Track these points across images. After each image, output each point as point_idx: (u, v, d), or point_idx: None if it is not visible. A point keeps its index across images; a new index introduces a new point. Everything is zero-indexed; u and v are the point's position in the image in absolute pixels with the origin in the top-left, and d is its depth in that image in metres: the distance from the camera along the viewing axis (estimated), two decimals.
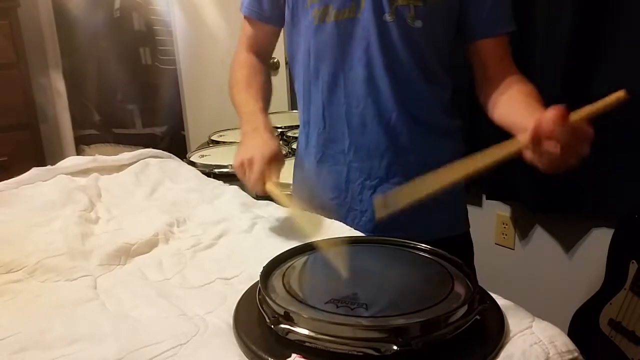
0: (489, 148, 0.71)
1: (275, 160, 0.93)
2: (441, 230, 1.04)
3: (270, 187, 0.92)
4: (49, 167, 1.31)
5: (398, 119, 1.00)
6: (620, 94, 0.67)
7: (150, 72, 3.70)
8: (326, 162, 1.08)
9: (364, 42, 0.97)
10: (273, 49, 1.19)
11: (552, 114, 0.68)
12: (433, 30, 0.97)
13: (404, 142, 1.02)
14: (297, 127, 2.02)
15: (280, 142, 1.99)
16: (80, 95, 3.39)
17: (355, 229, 0.99)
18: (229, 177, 1.60)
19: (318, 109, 1.05)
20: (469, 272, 0.71)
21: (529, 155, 0.72)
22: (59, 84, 2.81)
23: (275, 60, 2.51)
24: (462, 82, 1.11)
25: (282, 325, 0.60)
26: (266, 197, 1.29)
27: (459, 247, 1.09)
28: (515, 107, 0.93)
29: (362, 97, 1.00)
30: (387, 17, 0.95)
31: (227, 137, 2.08)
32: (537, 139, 0.69)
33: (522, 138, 0.71)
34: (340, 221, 1.01)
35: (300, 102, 1.11)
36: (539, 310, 0.68)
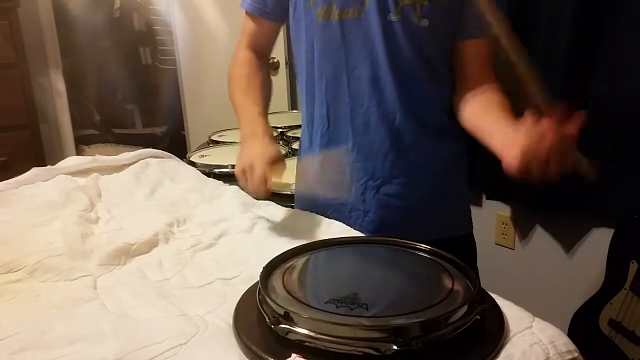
0: None
1: (276, 164, 0.94)
2: (444, 231, 1.04)
3: (272, 184, 0.92)
4: (49, 167, 1.31)
5: (402, 119, 1.00)
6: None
7: (150, 72, 3.70)
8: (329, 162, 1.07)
9: (368, 42, 0.97)
10: (273, 45, 1.19)
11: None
12: (439, 29, 0.97)
13: (407, 142, 1.02)
14: (297, 127, 2.03)
15: (280, 142, 2.00)
16: (80, 95, 3.39)
17: (357, 230, 0.99)
18: (229, 177, 1.60)
19: (322, 108, 1.05)
20: (470, 272, 0.71)
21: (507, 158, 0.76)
22: (59, 84, 2.81)
23: (275, 60, 2.51)
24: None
25: (282, 325, 0.60)
26: (266, 197, 1.29)
27: (462, 248, 1.09)
28: (485, 116, 0.95)
29: (366, 97, 1.00)
30: (392, 17, 0.95)
31: (227, 137, 2.08)
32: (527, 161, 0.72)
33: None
34: (342, 221, 1.01)
35: (303, 101, 1.11)
36: (539, 310, 0.68)
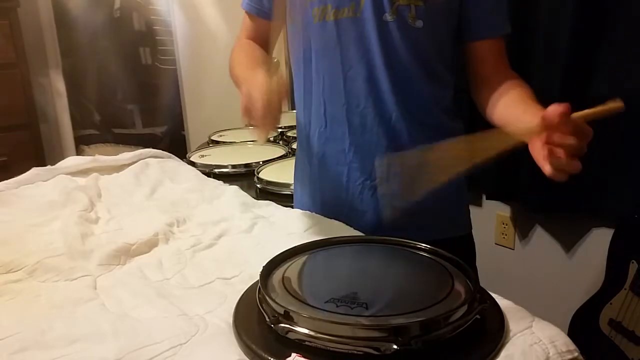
0: (495, 130, 0.71)
1: (273, 69, 0.90)
2: (444, 231, 1.04)
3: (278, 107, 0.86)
4: (49, 167, 1.31)
5: (398, 119, 1.00)
6: (619, 104, 0.69)
7: (150, 72, 3.69)
8: (326, 162, 1.08)
9: (364, 42, 0.97)
10: (274, 44, 1.18)
11: (557, 107, 0.69)
12: (434, 30, 0.97)
13: (404, 142, 1.02)
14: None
15: (280, 142, 2.00)
16: (80, 95, 3.39)
17: (355, 229, 0.99)
18: (229, 177, 1.61)
19: (319, 108, 1.05)
20: (470, 271, 0.71)
21: (539, 159, 0.72)
22: (59, 84, 2.81)
23: (275, 60, 2.51)
24: (462, 82, 1.11)
25: (282, 325, 0.60)
26: (266, 197, 1.29)
27: (461, 248, 1.09)
28: (515, 108, 0.93)
29: (362, 96, 1.00)
30: (388, 17, 0.95)
31: (227, 137, 2.08)
32: (546, 126, 0.69)
33: (531, 125, 0.71)
34: (342, 221, 1.01)
35: (300, 101, 1.11)
36: (539, 310, 0.68)
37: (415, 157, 0.72)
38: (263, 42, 1.15)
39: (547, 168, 0.72)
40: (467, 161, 0.75)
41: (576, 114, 0.70)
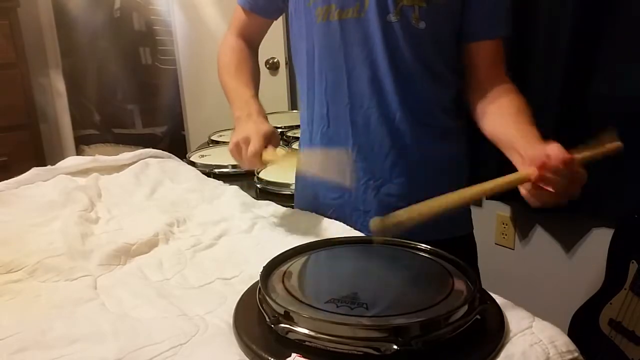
0: (491, 180, 0.72)
1: (271, 138, 0.93)
2: (445, 231, 1.04)
3: (267, 156, 0.91)
4: (49, 167, 1.31)
5: (402, 119, 1.00)
6: (617, 144, 0.73)
7: (150, 72, 3.70)
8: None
9: (368, 43, 0.97)
10: (262, 38, 1.19)
11: (558, 154, 0.70)
12: (437, 31, 0.97)
13: (407, 142, 1.02)
14: (297, 127, 2.03)
15: (280, 142, 2.00)
16: (80, 95, 3.39)
17: (357, 230, 0.99)
18: (229, 177, 1.60)
19: (322, 108, 1.05)
20: (470, 271, 0.71)
21: (525, 190, 0.74)
22: (59, 84, 2.81)
23: (275, 60, 2.51)
24: (463, 82, 1.11)
25: (282, 325, 0.60)
26: (266, 197, 1.29)
27: (462, 248, 1.09)
28: (505, 124, 0.93)
29: (366, 97, 1.00)
30: (392, 18, 0.95)
31: (227, 137, 2.08)
32: (541, 178, 0.71)
33: (527, 172, 0.72)
34: (343, 221, 1.01)
35: (303, 101, 1.11)
36: (539, 310, 0.68)
37: (408, 215, 0.73)
38: (253, 38, 1.16)
39: (530, 200, 0.74)
40: (464, 203, 0.76)
41: (574, 158, 0.71)
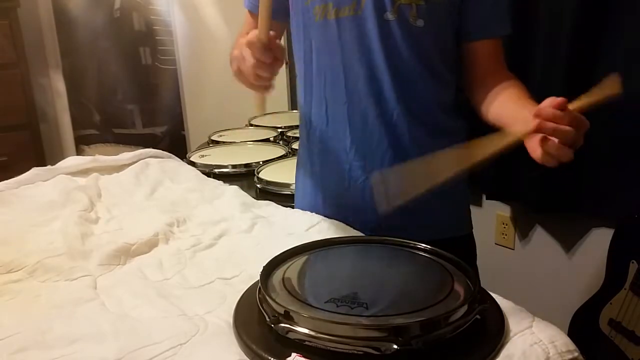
0: (491, 135, 0.71)
1: (277, 50, 0.86)
2: (444, 231, 1.04)
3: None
4: (49, 167, 1.31)
5: (400, 118, 1.00)
6: (615, 87, 0.68)
7: (150, 72, 3.69)
8: (328, 161, 1.08)
9: (365, 41, 0.97)
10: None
11: (552, 100, 0.69)
12: (435, 29, 0.97)
13: (405, 141, 1.02)
14: (297, 127, 2.03)
15: (280, 142, 2.00)
16: (80, 95, 3.39)
17: (356, 229, 0.99)
18: (229, 177, 1.60)
19: (320, 106, 1.05)
20: (470, 271, 0.71)
21: (531, 142, 0.73)
22: (59, 84, 2.81)
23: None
24: (462, 81, 1.11)
25: (282, 324, 0.60)
26: (266, 197, 1.29)
27: (462, 248, 1.09)
28: (511, 106, 0.93)
29: (363, 95, 1.00)
30: (389, 16, 0.95)
31: (227, 137, 2.08)
32: (540, 123, 0.69)
33: (526, 125, 0.71)
34: (342, 221, 1.00)
35: (302, 100, 1.11)
36: (539, 310, 0.68)
37: (411, 169, 0.72)
38: None
39: (537, 152, 0.72)
40: (464, 165, 0.74)
41: (572, 105, 0.70)
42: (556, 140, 0.70)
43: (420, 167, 0.73)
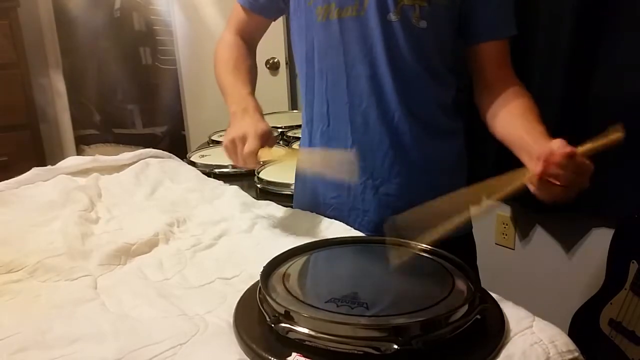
0: (498, 177, 0.73)
1: (268, 138, 0.92)
2: None
3: (263, 155, 0.91)
4: (49, 167, 1.31)
5: (401, 118, 1.00)
6: (619, 134, 0.72)
7: (150, 72, 3.70)
8: None
9: (367, 41, 0.97)
10: (261, 38, 1.19)
11: (560, 149, 0.71)
12: (437, 30, 0.97)
13: (406, 142, 1.02)
14: (297, 127, 2.03)
15: (280, 142, 2.00)
16: (80, 95, 3.39)
17: (356, 229, 0.99)
18: (229, 177, 1.60)
19: (322, 106, 1.05)
20: (470, 271, 0.71)
21: (534, 186, 0.75)
22: (59, 84, 2.81)
23: (276, 60, 2.51)
24: (462, 82, 1.11)
25: (283, 324, 0.60)
26: (266, 197, 1.29)
27: (462, 248, 1.09)
28: (517, 126, 0.93)
29: (365, 95, 1.00)
30: (392, 17, 0.95)
31: None
32: (546, 173, 0.71)
33: (532, 169, 0.74)
34: (342, 221, 1.00)
35: (303, 99, 1.11)
36: (539, 310, 0.68)
37: (422, 213, 0.74)
38: (251, 37, 1.16)
39: (533, 188, 0.74)
40: (474, 206, 0.76)
41: (579, 149, 0.71)
42: (557, 182, 0.71)
43: (430, 210, 0.74)
